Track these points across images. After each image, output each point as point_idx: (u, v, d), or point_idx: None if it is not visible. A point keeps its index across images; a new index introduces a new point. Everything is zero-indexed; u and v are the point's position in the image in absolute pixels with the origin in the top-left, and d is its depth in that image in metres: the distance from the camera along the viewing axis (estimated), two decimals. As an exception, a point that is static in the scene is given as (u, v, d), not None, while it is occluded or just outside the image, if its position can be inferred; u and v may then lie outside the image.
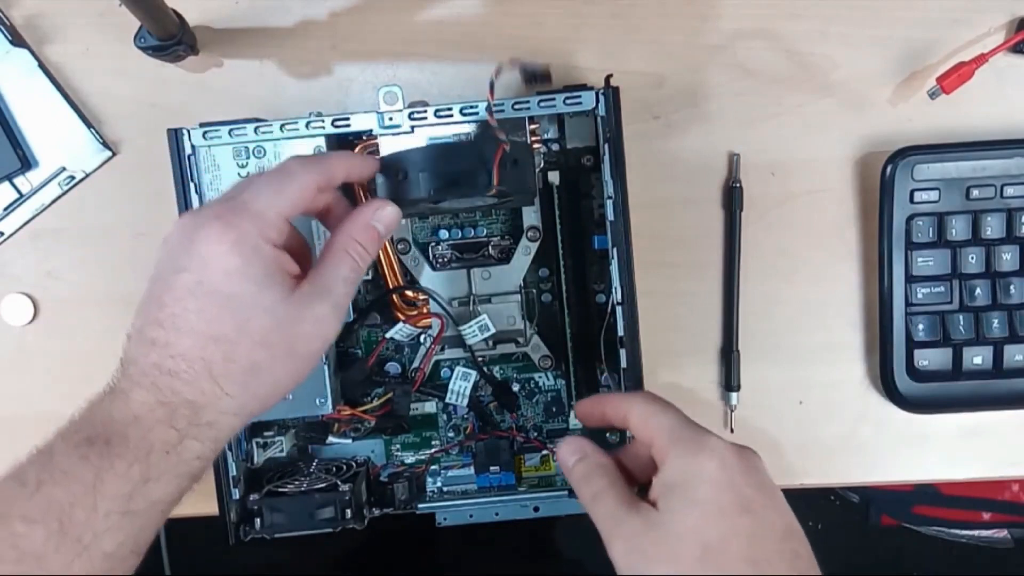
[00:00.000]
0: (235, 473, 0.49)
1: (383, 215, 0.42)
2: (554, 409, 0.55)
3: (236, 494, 0.48)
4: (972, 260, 0.53)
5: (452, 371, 0.53)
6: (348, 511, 0.48)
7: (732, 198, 0.55)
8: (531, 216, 0.52)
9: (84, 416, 0.37)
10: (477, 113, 0.47)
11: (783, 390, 0.57)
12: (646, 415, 0.40)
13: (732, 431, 0.56)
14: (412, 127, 0.47)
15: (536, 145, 0.48)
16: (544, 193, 0.52)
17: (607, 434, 0.53)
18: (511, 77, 0.55)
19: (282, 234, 0.39)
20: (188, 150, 0.48)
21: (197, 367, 0.37)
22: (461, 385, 0.53)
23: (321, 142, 0.48)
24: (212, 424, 0.38)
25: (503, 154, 0.43)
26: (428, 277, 0.53)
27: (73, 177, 0.56)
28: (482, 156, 0.44)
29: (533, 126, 0.48)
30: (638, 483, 0.40)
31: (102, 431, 0.36)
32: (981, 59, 0.52)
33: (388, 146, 0.47)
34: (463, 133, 0.47)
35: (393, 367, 0.54)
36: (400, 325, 0.52)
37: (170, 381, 0.37)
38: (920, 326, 0.54)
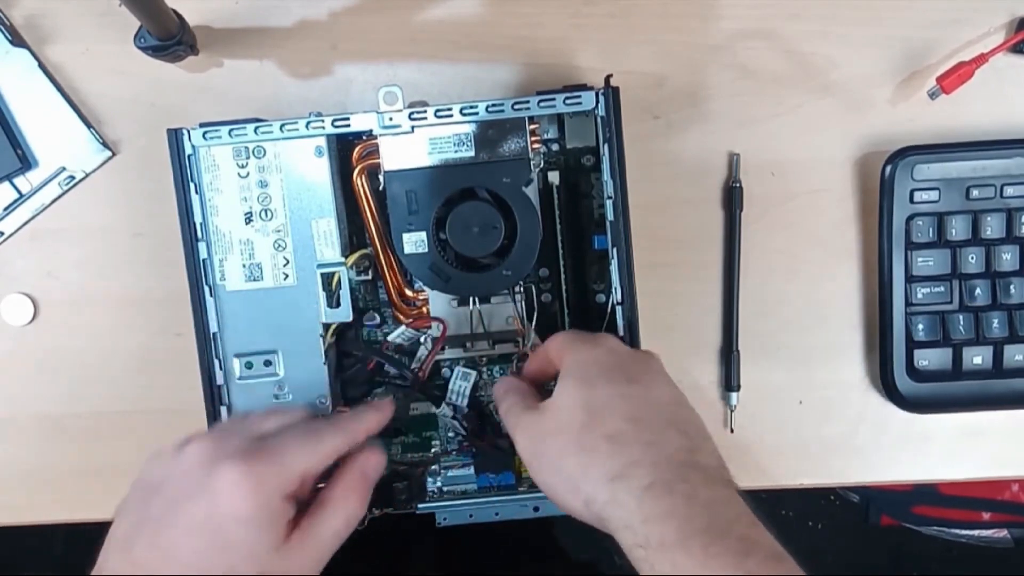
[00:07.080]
0: (235, 473, 0.48)
1: (374, 464, 0.43)
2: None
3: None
4: (972, 260, 0.53)
5: (452, 371, 0.53)
6: (348, 511, 0.48)
7: (732, 198, 0.55)
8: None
9: None
10: (477, 113, 0.47)
11: (783, 390, 0.57)
12: (557, 340, 0.44)
13: (732, 431, 0.56)
14: (412, 127, 0.47)
15: (536, 145, 0.48)
16: (544, 193, 0.52)
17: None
18: (511, 77, 0.55)
19: (298, 489, 0.40)
20: (188, 150, 0.48)
21: None
22: (461, 385, 0.53)
23: (322, 142, 0.48)
24: None
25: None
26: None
27: (73, 177, 0.56)
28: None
29: (533, 126, 0.48)
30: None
31: None
32: (981, 59, 0.52)
33: (392, 162, 0.48)
34: (464, 134, 0.47)
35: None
36: (402, 328, 0.52)
37: None
38: (920, 326, 0.54)
